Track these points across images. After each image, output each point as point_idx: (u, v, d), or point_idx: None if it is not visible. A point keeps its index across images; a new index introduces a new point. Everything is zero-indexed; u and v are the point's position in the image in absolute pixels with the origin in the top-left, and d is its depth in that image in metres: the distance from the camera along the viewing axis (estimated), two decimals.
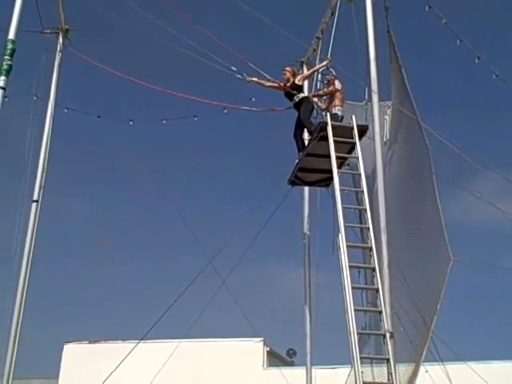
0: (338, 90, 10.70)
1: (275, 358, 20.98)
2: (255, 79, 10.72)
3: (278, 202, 11.44)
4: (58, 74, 11.84)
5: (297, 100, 10.33)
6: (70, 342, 21.81)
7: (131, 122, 12.83)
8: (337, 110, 10.48)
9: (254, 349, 20.15)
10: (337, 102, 10.62)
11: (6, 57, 7.40)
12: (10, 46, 7.39)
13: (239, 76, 10.66)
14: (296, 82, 10.50)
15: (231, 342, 20.44)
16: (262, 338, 20.30)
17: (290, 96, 10.47)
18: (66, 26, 11.83)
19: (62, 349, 21.65)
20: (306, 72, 11.64)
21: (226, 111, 12.31)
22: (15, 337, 10.25)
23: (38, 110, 11.45)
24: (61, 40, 11.89)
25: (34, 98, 11.56)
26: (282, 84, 10.60)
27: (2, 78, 7.27)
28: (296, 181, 11.16)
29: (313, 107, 10.55)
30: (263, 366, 20.04)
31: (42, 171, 11.22)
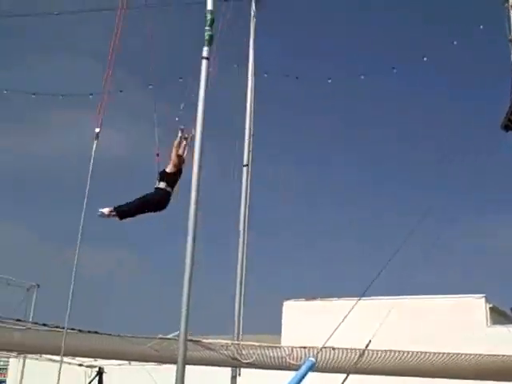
0: None
1: (499, 316, 19.89)
2: None
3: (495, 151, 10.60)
4: (254, 40, 12.04)
5: None
6: (288, 299, 22.66)
7: (329, 80, 12.70)
8: None
9: (475, 305, 19.28)
10: None
11: (207, 27, 7.60)
12: (209, 16, 7.60)
13: None
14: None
15: (450, 298, 19.76)
16: (483, 294, 19.35)
17: None
18: None
19: (281, 306, 22.60)
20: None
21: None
22: (240, 295, 10.82)
23: (240, 77, 11.73)
24: (253, 5, 12.04)
25: (235, 65, 11.88)
26: None
27: (205, 48, 7.49)
28: (510, 125, 10.23)
29: None
30: (487, 323, 19.12)
31: (249, 136, 11.55)
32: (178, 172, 8.74)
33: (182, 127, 8.82)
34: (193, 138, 7.98)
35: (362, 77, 12.77)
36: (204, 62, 7.51)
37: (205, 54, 7.54)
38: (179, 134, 8.82)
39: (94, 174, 7.50)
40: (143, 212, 8.63)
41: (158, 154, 8.85)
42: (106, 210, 8.47)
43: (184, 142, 8.87)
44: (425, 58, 11.73)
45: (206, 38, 7.54)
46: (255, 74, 11.94)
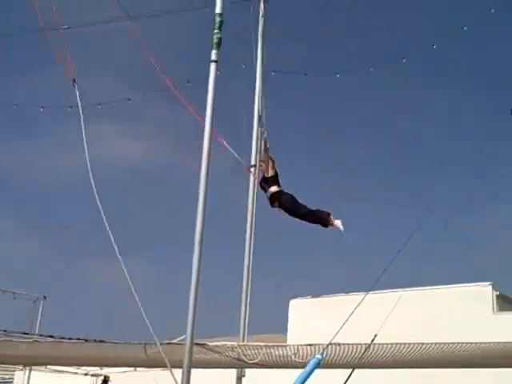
0: None
1: (507, 303, 19.87)
2: None
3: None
4: (262, 39, 11.94)
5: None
6: (295, 297, 22.66)
7: (338, 75, 12.60)
8: None
9: (482, 293, 19.25)
10: None
11: (216, 30, 7.54)
12: (218, 19, 7.53)
13: None
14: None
15: (456, 287, 19.74)
16: (490, 282, 19.33)
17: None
18: None
19: (288, 305, 22.60)
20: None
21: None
22: (246, 295, 10.77)
23: (248, 77, 11.65)
24: (262, 5, 11.95)
25: (243, 66, 11.78)
26: None
27: (214, 51, 7.43)
28: None
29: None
30: (493, 310, 19.08)
31: (257, 137, 11.47)
32: (276, 173, 9.47)
33: (264, 132, 9.85)
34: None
35: (371, 69, 12.61)
36: (213, 65, 7.47)
37: (213, 57, 7.48)
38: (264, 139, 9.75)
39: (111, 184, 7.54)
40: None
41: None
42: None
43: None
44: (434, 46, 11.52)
45: (215, 41, 7.48)
46: (263, 73, 11.83)
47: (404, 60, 11.82)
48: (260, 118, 10.89)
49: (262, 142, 9.88)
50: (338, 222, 8.97)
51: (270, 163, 9.40)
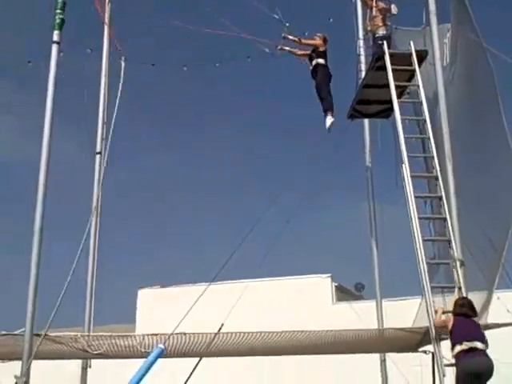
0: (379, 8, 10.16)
1: (344, 294, 21.10)
2: (287, 48, 11.10)
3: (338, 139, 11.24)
4: (109, 25, 11.76)
5: (314, 64, 10.80)
6: (143, 287, 22.51)
7: (185, 68, 12.72)
8: (380, 31, 9.98)
9: (322, 284, 20.31)
10: (378, 21, 10.05)
11: (58, 10, 7.36)
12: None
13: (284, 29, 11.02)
14: (320, 49, 10.88)
15: (299, 279, 20.64)
16: (329, 274, 20.42)
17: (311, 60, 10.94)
18: None
19: (136, 295, 22.41)
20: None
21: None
22: (92, 284, 10.61)
23: (95, 62, 11.43)
24: None
25: (88, 50, 11.55)
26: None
27: (56, 32, 7.27)
28: (355, 114, 10.98)
29: (329, 74, 10.88)
30: (332, 301, 20.20)
31: (103, 123, 11.29)
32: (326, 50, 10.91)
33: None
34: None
35: (217, 64, 12.87)
36: (54, 46, 7.30)
37: (55, 38, 7.32)
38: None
39: None
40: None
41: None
42: (330, 120, 10.38)
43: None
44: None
45: (57, 21, 7.31)
46: (110, 59, 11.63)
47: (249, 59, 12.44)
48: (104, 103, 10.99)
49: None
50: (328, 119, 10.36)
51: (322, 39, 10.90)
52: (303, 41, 11.04)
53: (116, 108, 9.89)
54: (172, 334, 8.01)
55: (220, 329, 9.06)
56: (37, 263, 6.62)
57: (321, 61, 10.73)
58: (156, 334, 8.24)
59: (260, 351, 10.34)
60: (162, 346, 6.31)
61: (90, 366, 10.40)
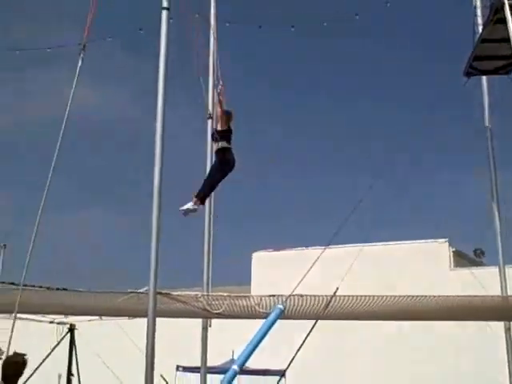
0: None
1: (462, 259, 20.45)
2: None
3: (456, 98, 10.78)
4: None
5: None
6: (257, 250, 22.91)
7: (292, 29, 12.52)
8: None
9: (439, 249, 19.77)
10: None
11: None
12: None
13: None
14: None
15: (415, 243, 20.20)
16: (446, 239, 19.83)
17: None
18: None
19: (250, 258, 22.88)
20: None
21: None
22: (208, 246, 10.87)
23: (202, 27, 11.50)
24: None
25: (196, 15, 11.63)
26: None
27: None
28: (472, 71, 10.44)
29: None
30: (450, 266, 19.64)
31: (213, 87, 11.35)
32: (229, 129, 8.53)
33: (218, 84, 8.83)
34: (222, 92, 8.64)
35: (325, 23, 12.61)
36: (164, 12, 7.35)
37: (165, 4, 7.38)
38: (218, 91, 8.78)
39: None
40: (219, 182, 8.48)
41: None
42: (190, 206, 8.11)
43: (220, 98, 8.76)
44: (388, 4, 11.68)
45: None
46: (217, 23, 11.69)
47: (357, 17, 12.00)
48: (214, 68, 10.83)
49: (216, 92, 9.09)
50: (187, 205, 8.22)
51: (224, 118, 8.56)
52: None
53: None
54: (290, 295, 8.07)
55: (335, 292, 9.02)
56: (157, 224, 6.81)
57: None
58: (273, 296, 8.34)
59: (375, 315, 10.25)
60: (281, 306, 6.33)
61: (210, 325, 10.71)
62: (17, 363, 5.75)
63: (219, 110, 8.76)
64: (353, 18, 11.97)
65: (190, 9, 10.97)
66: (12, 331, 8.01)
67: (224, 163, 8.37)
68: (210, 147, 11.03)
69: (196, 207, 8.19)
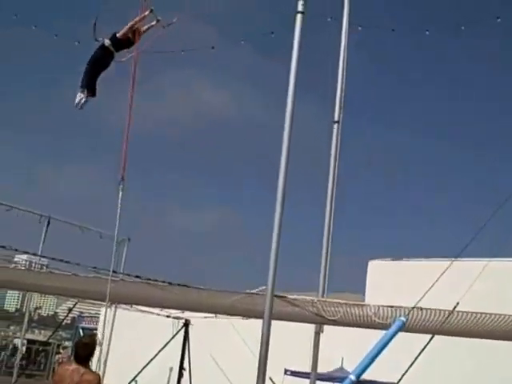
0: None
1: None
2: None
3: None
4: None
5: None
6: (374, 259, 22.52)
7: (427, 32, 12.17)
8: None
9: None
10: None
11: None
12: None
13: None
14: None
15: None
16: None
17: None
18: None
19: (366, 266, 22.52)
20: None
21: None
22: (326, 254, 10.79)
23: (334, 30, 11.42)
24: None
25: (328, 19, 11.58)
26: None
27: (300, 2, 7.36)
28: None
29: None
30: None
31: (341, 91, 11.28)
32: (126, 40, 9.07)
33: (152, 8, 9.11)
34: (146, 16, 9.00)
35: (463, 27, 12.09)
36: (299, 16, 7.37)
37: (300, 8, 7.39)
38: (146, 13, 9.09)
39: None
40: (99, 73, 8.99)
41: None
42: (79, 99, 8.74)
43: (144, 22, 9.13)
44: None
45: None
46: (350, 27, 11.54)
47: (499, 20, 11.45)
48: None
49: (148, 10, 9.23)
50: (77, 99, 8.83)
51: (130, 33, 9.05)
52: None
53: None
54: (414, 307, 7.81)
55: (455, 307, 8.67)
56: (279, 225, 6.86)
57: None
58: (392, 306, 8.14)
59: (493, 334, 9.74)
60: (403, 318, 6.15)
61: (322, 331, 10.64)
62: (87, 344, 6.10)
63: (133, 24, 9.03)
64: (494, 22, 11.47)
65: (322, 12, 11.01)
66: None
67: (101, 59, 8.94)
68: (335, 150, 10.95)
69: (87, 101, 8.79)
